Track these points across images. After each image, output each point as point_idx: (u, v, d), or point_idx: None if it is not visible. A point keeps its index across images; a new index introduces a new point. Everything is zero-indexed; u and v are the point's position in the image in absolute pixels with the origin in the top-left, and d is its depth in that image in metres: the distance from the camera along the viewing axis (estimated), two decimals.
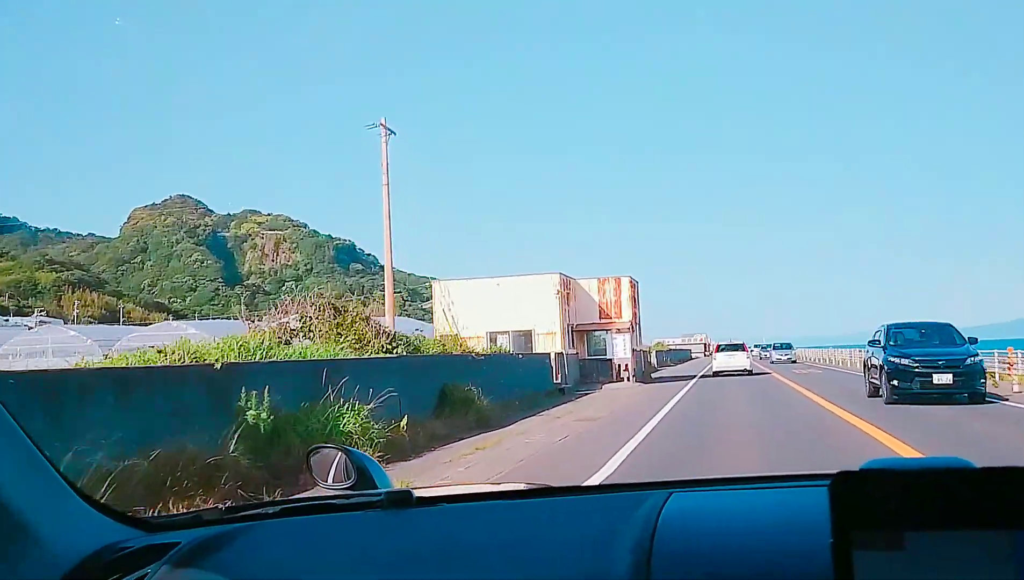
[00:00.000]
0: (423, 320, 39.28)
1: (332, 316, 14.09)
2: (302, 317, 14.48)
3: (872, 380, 15.31)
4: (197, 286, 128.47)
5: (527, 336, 25.25)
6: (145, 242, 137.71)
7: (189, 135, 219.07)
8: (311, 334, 14.34)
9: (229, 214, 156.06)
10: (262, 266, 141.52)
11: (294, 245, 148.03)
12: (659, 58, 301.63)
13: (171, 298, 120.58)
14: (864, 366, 16.82)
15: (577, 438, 11.53)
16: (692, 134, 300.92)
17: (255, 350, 10.42)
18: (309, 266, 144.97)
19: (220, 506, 1.39)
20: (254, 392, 7.81)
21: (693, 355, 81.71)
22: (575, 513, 1.17)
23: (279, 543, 1.17)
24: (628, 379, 26.82)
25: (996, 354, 20.08)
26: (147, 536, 1.21)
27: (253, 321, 14.40)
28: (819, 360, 49.11)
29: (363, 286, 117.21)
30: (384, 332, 13.80)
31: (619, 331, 27.46)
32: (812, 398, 16.75)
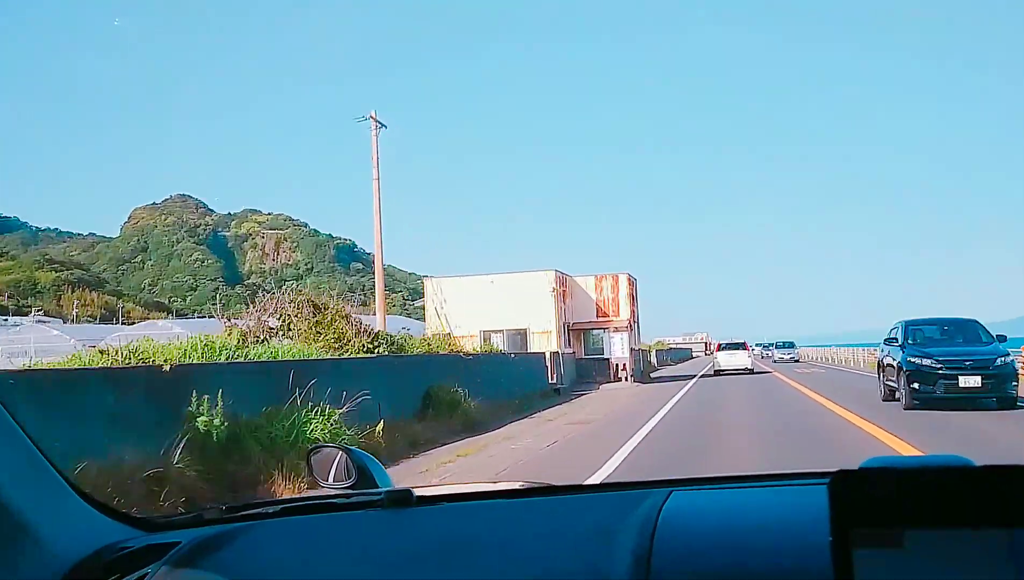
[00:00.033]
0: (420, 319, 38.59)
1: (311, 314, 13.42)
2: (281, 315, 13.81)
3: (888, 382, 13.79)
4: (197, 285, 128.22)
5: (522, 335, 24.52)
6: (145, 242, 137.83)
7: (189, 135, 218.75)
8: (291, 333, 13.68)
9: (229, 213, 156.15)
10: (262, 265, 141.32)
11: (294, 244, 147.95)
12: (659, 55, 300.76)
13: (171, 298, 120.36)
14: (878, 367, 15.16)
15: (567, 443, 10.86)
16: (693, 130, 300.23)
17: (220, 350, 9.74)
18: (310, 265, 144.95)
19: (221, 506, 1.40)
20: (206, 397, 7.13)
21: (694, 354, 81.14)
22: (575, 511, 1.17)
23: (279, 542, 1.17)
24: (626, 379, 26.11)
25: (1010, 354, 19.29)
26: (147, 536, 1.22)
27: (229, 319, 13.71)
28: (821, 359, 48.39)
29: (363, 285, 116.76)
30: (365, 330, 13.12)
31: (617, 330, 26.72)
32: (822, 402, 15.24)
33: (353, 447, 1.51)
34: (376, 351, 12.74)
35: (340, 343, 12.60)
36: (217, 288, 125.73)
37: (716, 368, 30.35)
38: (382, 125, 23.16)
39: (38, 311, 79.75)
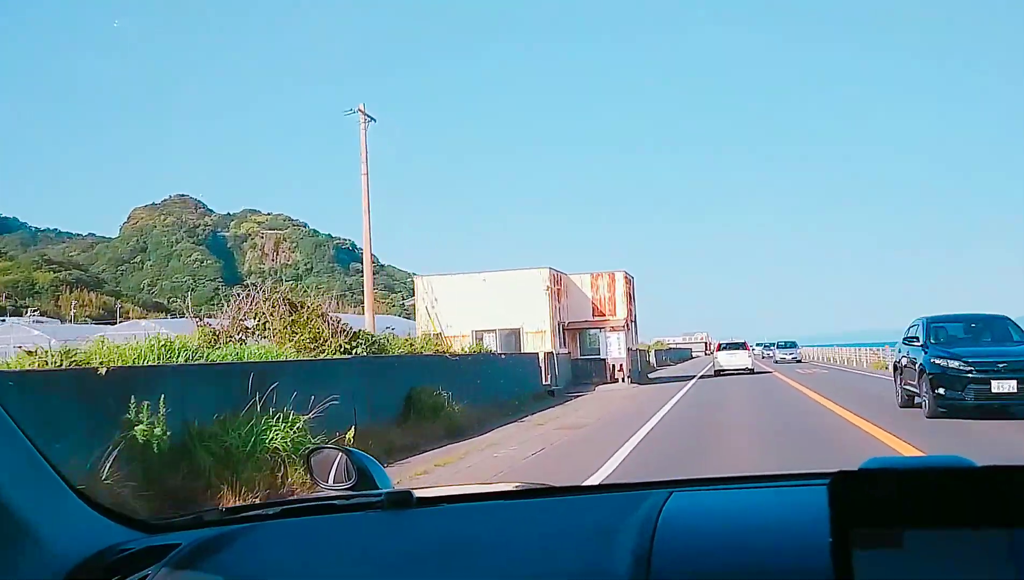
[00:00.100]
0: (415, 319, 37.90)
1: (288, 313, 12.74)
2: (256, 314, 13.13)
3: (907, 387, 12.34)
4: (197, 286, 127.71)
5: (516, 335, 23.80)
6: (145, 242, 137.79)
7: (188, 135, 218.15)
8: (267, 332, 13.00)
9: (229, 214, 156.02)
10: (262, 266, 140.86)
11: (294, 244, 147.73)
12: (659, 53, 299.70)
13: (171, 298, 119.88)
14: (894, 369, 13.60)
15: (554, 451, 10.17)
16: (693, 129, 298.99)
17: (179, 351, 9.06)
18: (309, 265, 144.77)
19: (220, 507, 1.78)
20: (146, 403, 6.44)
21: (694, 354, 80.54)
22: (575, 512, 1.17)
23: (280, 544, 1.17)
24: (623, 380, 25.40)
25: None
26: (147, 538, 1.22)
27: (200, 319, 13.03)
28: (823, 359, 47.65)
29: (363, 286, 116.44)
30: (342, 330, 12.43)
31: (613, 329, 25.96)
32: (832, 408, 13.69)
33: (353, 449, 1.49)
34: (354, 352, 12.05)
35: (316, 343, 11.91)
36: (217, 288, 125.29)
37: (716, 368, 30.34)
38: (371, 119, 22.50)
39: (34, 311, 79.40)
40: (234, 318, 13.31)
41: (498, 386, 16.98)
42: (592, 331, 26.48)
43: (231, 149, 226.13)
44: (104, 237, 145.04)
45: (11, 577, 1.04)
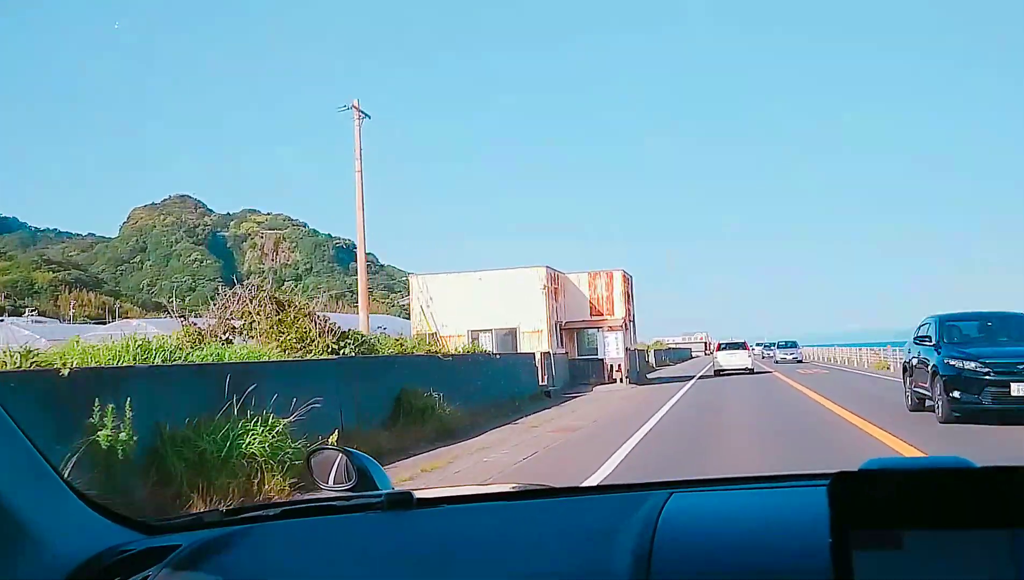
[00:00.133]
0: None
1: (275, 312, 12.40)
2: (243, 313, 12.79)
3: (917, 389, 11.59)
4: (196, 286, 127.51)
5: (512, 335, 23.44)
6: (144, 242, 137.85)
7: (189, 135, 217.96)
8: (254, 332, 12.67)
9: (228, 213, 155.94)
10: (262, 266, 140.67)
11: (294, 244, 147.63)
12: (659, 48, 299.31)
13: (170, 298, 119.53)
14: (904, 370, 12.84)
15: (547, 455, 9.84)
16: (692, 126, 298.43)
17: (156, 352, 8.72)
18: (309, 265, 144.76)
19: (220, 508, 1.40)
20: (111, 406, 6.09)
21: (693, 354, 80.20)
22: (575, 513, 1.17)
23: (280, 545, 1.17)
24: (621, 380, 25.05)
25: None
26: (148, 539, 1.21)
27: (185, 318, 12.70)
28: (824, 359, 47.29)
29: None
30: (330, 330, 12.09)
31: (611, 329, 25.60)
32: (836, 411, 13.02)
33: (353, 449, 1.51)
34: (342, 352, 11.70)
35: (303, 343, 11.57)
36: (216, 288, 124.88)
37: (716, 368, 30.31)
38: (365, 115, 22.15)
39: (31, 311, 79.29)
40: (220, 317, 12.99)
41: (493, 387, 16.64)
42: (590, 331, 26.12)
43: (231, 149, 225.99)
44: (104, 237, 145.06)
45: (12, 578, 1.03)
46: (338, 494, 1.40)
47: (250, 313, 12.48)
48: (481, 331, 23.09)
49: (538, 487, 1.36)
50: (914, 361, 11.90)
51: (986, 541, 0.67)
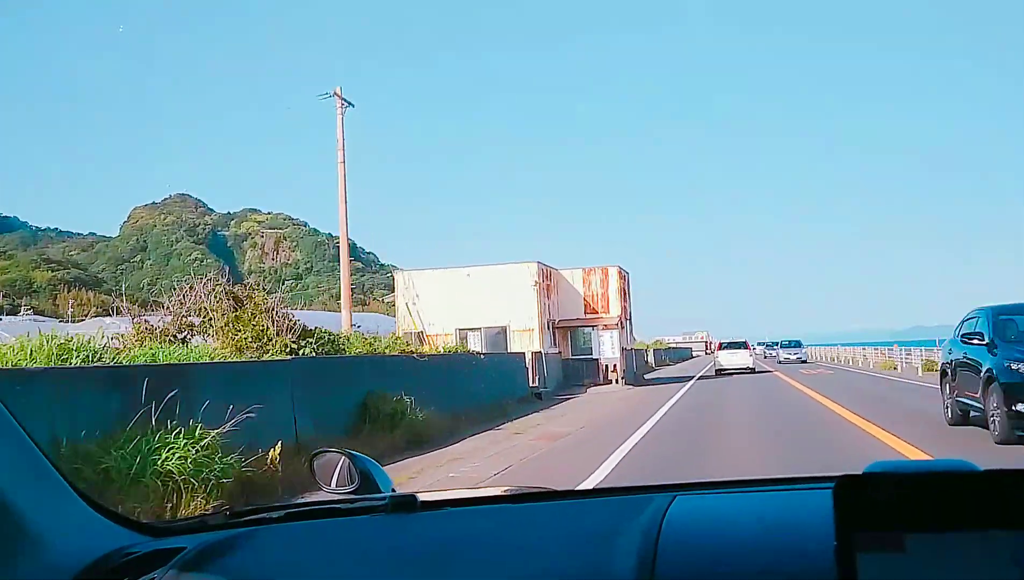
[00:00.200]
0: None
1: (232, 307, 11.40)
2: (199, 310, 11.79)
3: (962, 399, 9.66)
4: (196, 285, 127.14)
5: (503, 333, 22.39)
6: (145, 241, 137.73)
7: (189, 134, 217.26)
8: (212, 330, 11.67)
9: (229, 213, 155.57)
10: (262, 265, 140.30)
11: (294, 243, 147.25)
12: (658, 46, 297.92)
13: (169, 297, 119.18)
14: (942, 375, 10.75)
15: (522, 469, 8.81)
16: (692, 120, 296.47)
17: (78, 352, 7.73)
18: (309, 265, 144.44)
19: (224, 510, 1.48)
20: None
21: (694, 354, 79.19)
22: (579, 516, 1.17)
23: (284, 547, 1.17)
24: (617, 381, 24.00)
25: None
26: (153, 541, 1.22)
27: (139, 316, 11.72)
28: (828, 359, 46.30)
29: (363, 285, 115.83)
30: (290, 327, 11.09)
31: (606, 327, 24.52)
32: (855, 421, 11.36)
33: (356, 452, 1.51)
34: (301, 352, 10.69)
35: (260, 342, 10.56)
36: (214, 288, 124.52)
37: (717, 367, 30.07)
38: (348, 104, 21.16)
39: (27, 310, 78.82)
40: (176, 314, 11.99)
41: (477, 389, 15.62)
42: (584, 330, 25.08)
43: (231, 148, 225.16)
44: (104, 236, 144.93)
45: (15, 579, 1.03)
46: (341, 496, 1.41)
47: (206, 309, 11.48)
48: (470, 330, 22.06)
49: (542, 490, 1.38)
50: (956, 363, 9.95)
51: (990, 544, 0.68)
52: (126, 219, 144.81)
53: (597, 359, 24.47)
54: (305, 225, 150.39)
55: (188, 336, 12.04)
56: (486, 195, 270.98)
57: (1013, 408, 8.09)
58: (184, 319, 12.10)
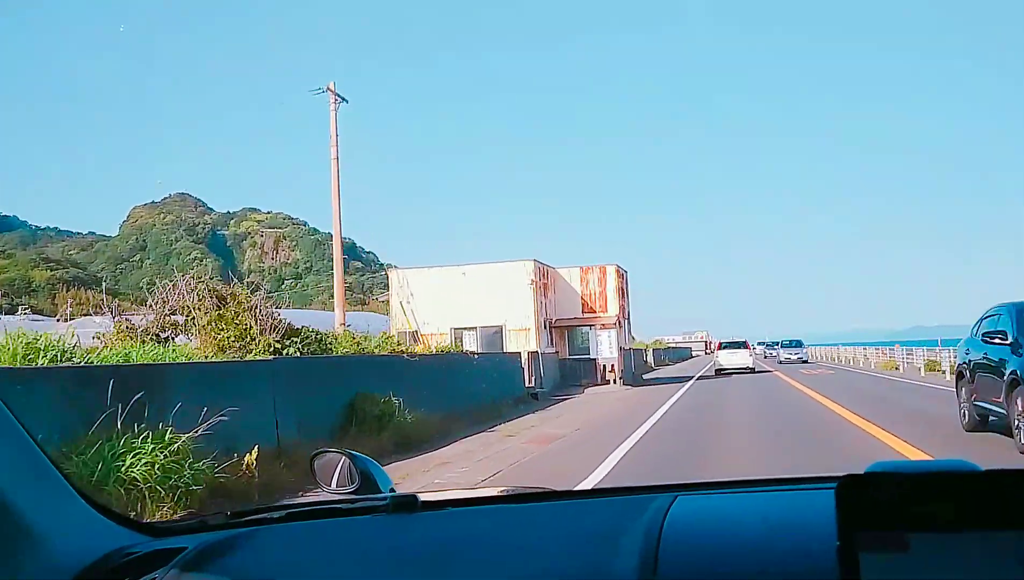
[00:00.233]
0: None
1: (215, 306, 11.06)
2: (182, 308, 11.45)
3: (980, 403, 9.01)
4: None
5: (499, 333, 22.03)
6: (144, 240, 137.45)
7: (189, 134, 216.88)
8: (195, 329, 11.33)
9: (228, 212, 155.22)
10: (262, 264, 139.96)
11: (294, 243, 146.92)
12: (657, 44, 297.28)
13: (153, 296, 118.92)
14: (958, 377, 10.14)
15: (511, 474, 8.49)
16: (692, 120, 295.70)
17: (46, 351, 7.39)
18: (309, 264, 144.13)
19: (225, 511, 1.40)
20: None
21: (693, 353, 78.87)
22: (580, 516, 1.17)
23: (284, 547, 1.17)
24: (615, 381, 23.65)
25: None
26: (153, 541, 1.22)
27: (119, 315, 11.38)
28: (828, 358, 45.99)
29: (363, 284, 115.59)
30: (274, 326, 10.76)
31: (604, 327, 24.16)
32: (855, 421, 11.12)
33: (356, 452, 1.51)
34: (285, 351, 10.36)
35: (242, 342, 10.23)
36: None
37: (717, 367, 29.97)
38: (342, 99, 20.82)
39: (24, 310, 78.47)
40: (159, 313, 11.65)
41: (471, 390, 15.29)
42: (582, 329, 24.72)
43: (231, 148, 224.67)
44: (104, 235, 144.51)
45: (16, 578, 1.03)
46: (342, 496, 1.40)
47: (189, 308, 11.14)
48: (465, 329, 21.72)
49: (543, 490, 1.39)
50: (975, 363, 9.24)
51: (992, 543, 0.68)
52: (125, 218, 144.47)
53: (595, 359, 24.12)
54: (305, 225, 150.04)
55: (172, 335, 11.71)
56: (486, 195, 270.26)
57: None
58: (167, 318, 11.77)
